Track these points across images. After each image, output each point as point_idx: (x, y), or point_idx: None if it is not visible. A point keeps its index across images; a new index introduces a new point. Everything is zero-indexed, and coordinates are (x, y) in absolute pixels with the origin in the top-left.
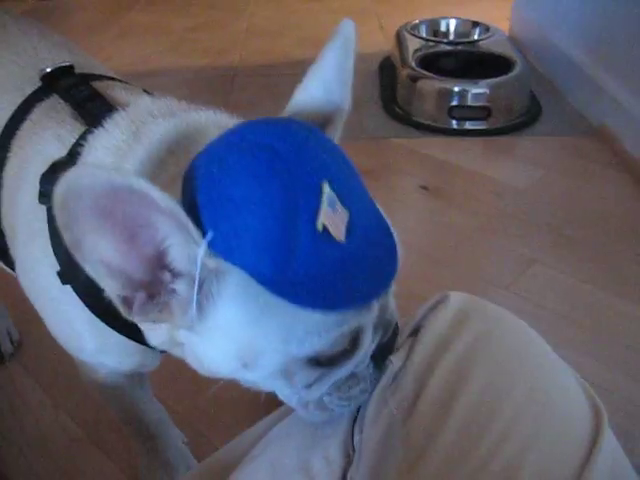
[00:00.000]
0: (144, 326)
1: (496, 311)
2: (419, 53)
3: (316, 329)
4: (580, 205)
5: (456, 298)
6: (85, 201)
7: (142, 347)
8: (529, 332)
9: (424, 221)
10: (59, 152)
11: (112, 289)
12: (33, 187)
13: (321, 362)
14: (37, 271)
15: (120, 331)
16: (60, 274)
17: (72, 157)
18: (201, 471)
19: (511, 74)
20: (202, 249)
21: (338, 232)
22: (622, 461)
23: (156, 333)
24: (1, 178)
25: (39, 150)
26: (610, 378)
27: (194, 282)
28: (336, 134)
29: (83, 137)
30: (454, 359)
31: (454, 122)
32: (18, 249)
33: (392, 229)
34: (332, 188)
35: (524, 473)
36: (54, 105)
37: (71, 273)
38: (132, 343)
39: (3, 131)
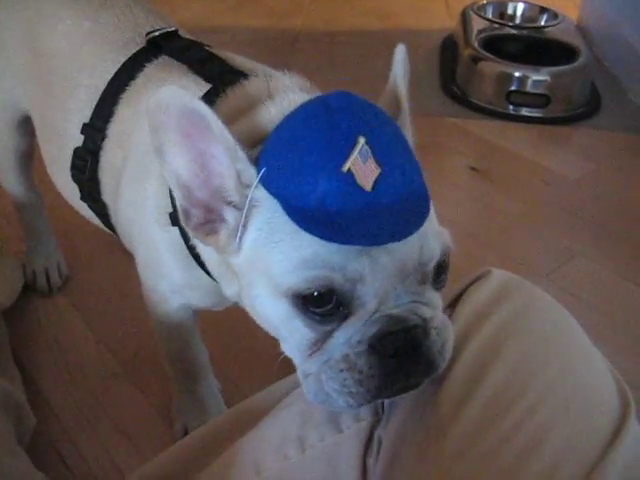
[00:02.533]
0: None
1: (536, 291)
2: (483, 34)
3: (311, 260)
4: (629, 203)
5: (498, 274)
6: (170, 115)
7: None
8: (566, 315)
9: (471, 202)
10: None
11: (177, 197)
12: None
13: (304, 300)
14: (145, 207)
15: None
16: (171, 215)
17: None
18: (232, 414)
19: (574, 64)
20: (253, 185)
21: (364, 181)
22: None
23: (217, 264)
24: (106, 129)
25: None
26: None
27: (241, 213)
28: (404, 128)
29: (215, 94)
30: (490, 332)
31: (511, 107)
32: (126, 184)
33: (430, 203)
34: (369, 144)
35: (548, 447)
36: (167, 64)
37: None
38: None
39: (108, 86)
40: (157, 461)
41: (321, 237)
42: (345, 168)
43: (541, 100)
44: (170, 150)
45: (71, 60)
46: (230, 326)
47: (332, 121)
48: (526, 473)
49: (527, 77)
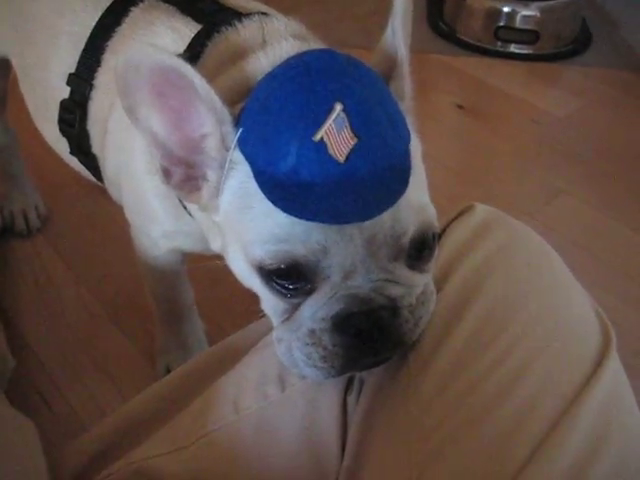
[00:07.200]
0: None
1: (519, 226)
2: None
3: (275, 232)
4: (617, 141)
5: (481, 209)
6: (141, 75)
7: None
8: (549, 250)
9: (456, 140)
10: (175, 44)
11: (155, 156)
12: None
13: (269, 272)
14: (133, 154)
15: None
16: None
17: (194, 55)
18: (213, 353)
19: None
20: (233, 143)
21: (337, 151)
22: (624, 384)
23: (203, 217)
24: (93, 79)
25: (152, 42)
26: (623, 314)
27: (222, 170)
28: (399, 86)
29: (207, 35)
30: (471, 267)
31: (499, 43)
32: (114, 131)
33: (409, 177)
34: (347, 112)
35: (528, 381)
36: (154, 6)
37: None
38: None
39: (93, 33)
40: (138, 400)
41: (284, 210)
42: (317, 137)
43: (530, 36)
44: (142, 110)
45: (50, 6)
46: (213, 266)
47: (310, 84)
48: (505, 408)
49: (516, 12)
